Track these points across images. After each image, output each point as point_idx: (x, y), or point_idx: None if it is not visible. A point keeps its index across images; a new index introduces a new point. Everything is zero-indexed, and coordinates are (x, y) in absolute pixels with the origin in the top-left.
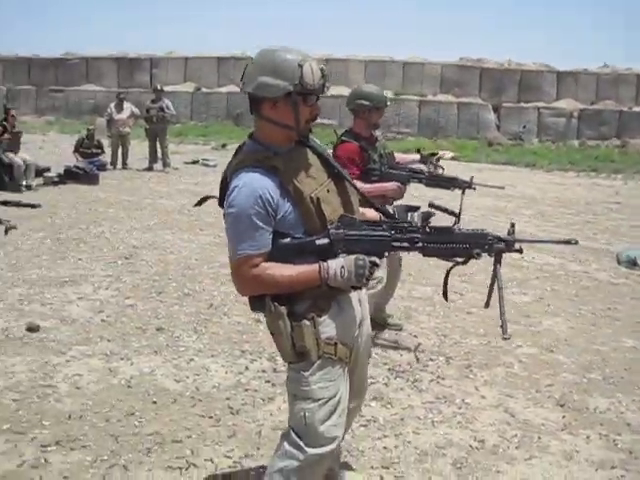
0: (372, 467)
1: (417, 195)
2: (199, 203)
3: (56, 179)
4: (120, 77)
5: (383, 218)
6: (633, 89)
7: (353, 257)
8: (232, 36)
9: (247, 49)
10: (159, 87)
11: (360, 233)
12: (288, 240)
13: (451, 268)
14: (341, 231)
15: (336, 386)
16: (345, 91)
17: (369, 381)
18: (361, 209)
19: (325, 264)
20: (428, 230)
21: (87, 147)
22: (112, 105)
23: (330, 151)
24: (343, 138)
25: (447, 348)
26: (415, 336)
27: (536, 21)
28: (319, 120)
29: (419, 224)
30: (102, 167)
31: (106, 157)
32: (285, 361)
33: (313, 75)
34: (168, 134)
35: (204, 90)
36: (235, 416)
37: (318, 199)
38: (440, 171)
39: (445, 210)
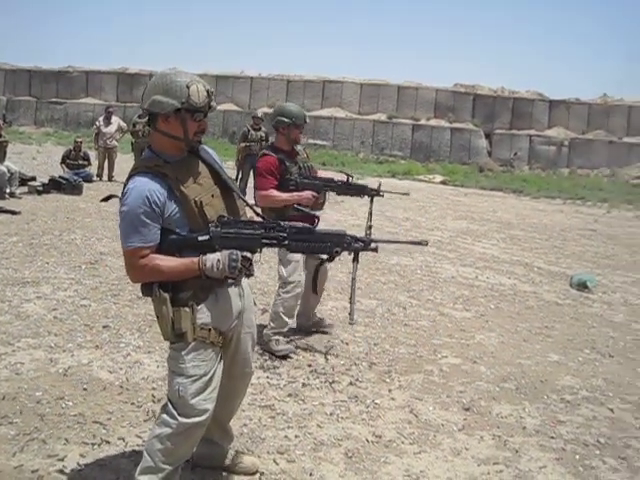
0: (268, 452)
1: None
2: (105, 199)
3: (40, 188)
4: (119, 91)
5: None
6: (624, 119)
7: (228, 252)
8: (230, 55)
9: (245, 68)
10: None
11: (235, 231)
12: (175, 236)
13: (319, 265)
14: (219, 229)
15: (208, 366)
16: (340, 112)
17: (288, 380)
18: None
19: (204, 257)
20: (294, 230)
21: (74, 159)
22: (100, 119)
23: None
24: (264, 151)
25: (374, 355)
26: (346, 343)
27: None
28: (311, 140)
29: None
30: (88, 178)
31: (92, 169)
32: (165, 340)
33: (199, 95)
34: None
35: None
36: (156, 404)
37: (201, 202)
38: (350, 180)
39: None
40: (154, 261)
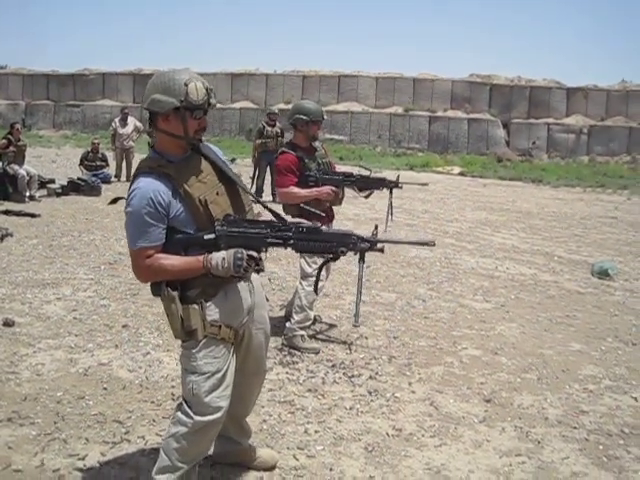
0: (288, 448)
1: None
2: (113, 202)
3: (59, 190)
4: (136, 92)
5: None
6: None
7: (233, 250)
8: (245, 52)
9: (260, 65)
10: None
11: (240, 230)
12: (181, 235)
13: (323, 263)
14: (224, 228)
15: (220, 362)
16: (356, 107)
17: (308, 375)
18: None
19: (209, 256)
20: (300, 229)
21: (92, 160)
22: (117, 120)
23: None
24: (283, 149)
25: (393, 348)
26: (366, 337)
27: (546, 37)
28: (328, 135)
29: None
30: (106, 180)
31: (110, 170)
32: (176, 338)
33: (197, 92)
34: None
35: (218, 105)
36: (175, 402)
37: (206, 200)
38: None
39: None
40: (159, 260)
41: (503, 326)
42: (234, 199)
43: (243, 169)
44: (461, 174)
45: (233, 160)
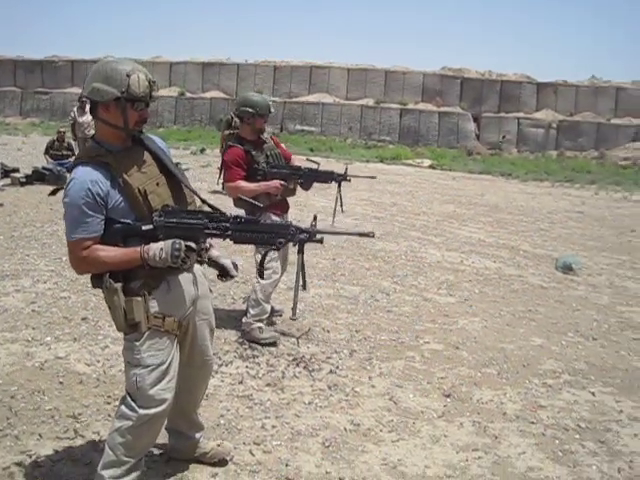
0: (244, 443)
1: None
2: (52, 193)
3: (23, 179)
4: None
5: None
6: (612, 101)
7: (171, 241)
8: (216, 42)
9: (231, 54)
10: None
11: (178, 221)
12: (119, 226)
13: (266, 252)
14: (162, 218)
15: (164, 354)
16: (327, 98)
17: (267, 369)
18: None
19: (146, 247)
20: (237, 220)
21: (57, 149)
22: (75, 109)
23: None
24: (229, 143)
25: (355, 342)
26: (328, 331)
27: (517, 32)
28: (299, 126)
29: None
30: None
31: None
32: (119, 331)
33: (139, 84)
34: None
35: (188, 95)
36: None
37: (145, 191)
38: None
39: None
40: (96, 252)
41: (466, 320)
42: (175, 191)
43: (212, 160)
44: (431, 167)
45: (203, 150)
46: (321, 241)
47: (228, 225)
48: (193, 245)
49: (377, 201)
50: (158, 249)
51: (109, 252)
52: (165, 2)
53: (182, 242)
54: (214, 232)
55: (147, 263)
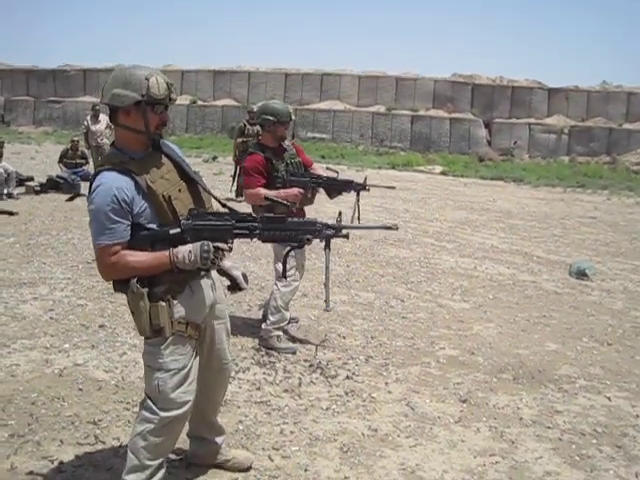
0: (263, 448)
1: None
2: (70, 199)
3: (37, 188)
4: None
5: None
6: (623, 106)
7: (199, 243)
8: (228, 50)
9: (242, 62)
10: None
11: (206, 223)
12: (146, 231)
13: (289, 250)
14: (190, 222)
15: (186, 359)
16: (338, 105)
17: (284, 376)
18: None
19: (175, 249)
20: (265, 219)
21: (71, 158)
22: (88, 117)
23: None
24: (250, 150)
25: (371, 348)
26: (343, 337)
27: (529, 38)
28: (310, 134)
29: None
30: (86, 177)
31: (90, 168)
32: (141, 336)
33: (159, 87)
34: None
35: (200, 103)
36: None
37: (169, 197)
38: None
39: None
40: (125, 257)
41: (480, 326)
42: (195, 196)
43: (225, 167)
44: (443, 173)
45: (215, 158)
46: (347, 236)
47: (255, 224)
48: (222, 245)
49: (390, 207)
50: (187, 252)
51: (138, 257)
52: (176, 11)
53: (210, 243)
54: (242, 232)
55: (176, 266)
